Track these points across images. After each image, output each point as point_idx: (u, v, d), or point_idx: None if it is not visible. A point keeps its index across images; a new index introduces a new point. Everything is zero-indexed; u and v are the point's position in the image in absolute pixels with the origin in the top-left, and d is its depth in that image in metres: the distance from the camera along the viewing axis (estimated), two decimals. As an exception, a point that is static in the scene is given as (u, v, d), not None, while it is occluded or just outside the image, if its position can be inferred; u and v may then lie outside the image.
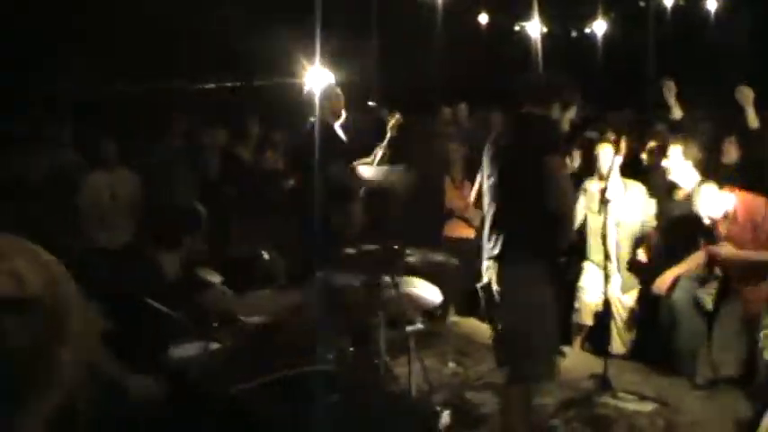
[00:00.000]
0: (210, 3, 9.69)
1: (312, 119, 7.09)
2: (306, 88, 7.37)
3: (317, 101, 7.07)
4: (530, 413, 5.19)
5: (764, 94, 7.73)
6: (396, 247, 4.30)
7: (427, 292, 4.54)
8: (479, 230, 8.34)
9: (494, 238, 5.10)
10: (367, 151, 7.37)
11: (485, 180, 5.31)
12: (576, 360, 5.47)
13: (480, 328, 8.06)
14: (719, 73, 11.58)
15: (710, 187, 6.31)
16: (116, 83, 9.33)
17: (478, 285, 5.22)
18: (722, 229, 6.34)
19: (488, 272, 5.14)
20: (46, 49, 9.58)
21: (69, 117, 9.06)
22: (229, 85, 10.34)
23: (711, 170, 6.92)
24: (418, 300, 4.45)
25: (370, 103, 10.46)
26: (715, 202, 6.28)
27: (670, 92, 7.60)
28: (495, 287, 5.06)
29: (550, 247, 5.14)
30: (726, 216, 6.29)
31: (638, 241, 7.24)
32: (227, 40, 9.55)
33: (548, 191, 4.90)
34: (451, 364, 6.97)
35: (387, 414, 2.89)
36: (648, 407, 6.12)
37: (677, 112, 7.89)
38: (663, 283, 6.55)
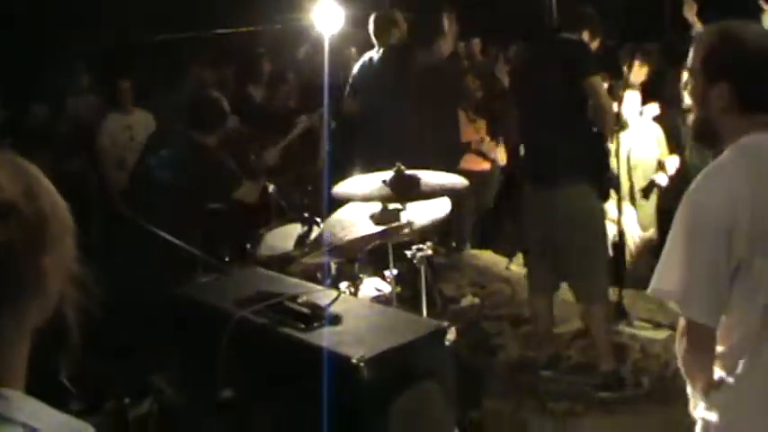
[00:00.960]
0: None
1: None
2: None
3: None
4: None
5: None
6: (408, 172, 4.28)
7: (438, 207, 4.57)
8: (494, 162, 8.43)
9: (537, 160, 5.29)
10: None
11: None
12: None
13: (496, 260, 8.13)
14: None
15: None
16: (130, 31, 9.29)
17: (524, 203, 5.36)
18: None
19: (530, 197, 5.32)
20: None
21: (88, 65, 9.12)
22: (241, 29, 10.24)
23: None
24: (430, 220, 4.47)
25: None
26: None
27: (691, 9, 7.47)
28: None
29: (598, 164, 5.33)
30: None
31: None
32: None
33: (595, 110, 5.07)
34: (469, 296, 7.00)
35: (389, 326, 2.90)
36: (663, 334, 6.13)
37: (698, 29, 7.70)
38: None
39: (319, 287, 3.32)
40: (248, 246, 5.18)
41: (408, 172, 4.34)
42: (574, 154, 5.12)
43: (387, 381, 2.60)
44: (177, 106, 7.59)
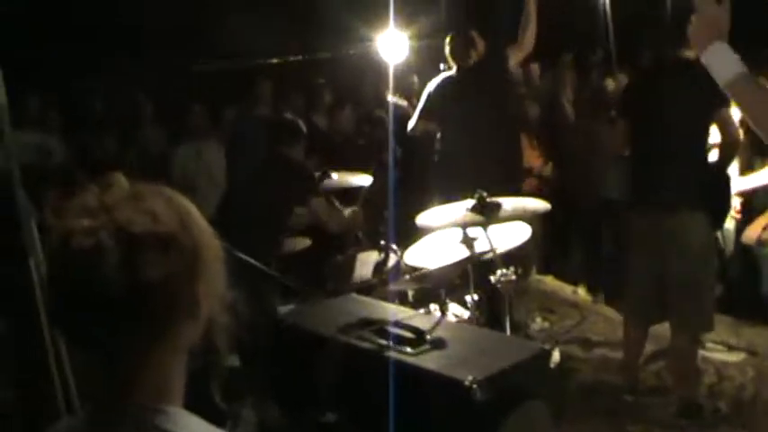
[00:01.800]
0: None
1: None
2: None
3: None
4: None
5: None
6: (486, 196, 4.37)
7: (517, 232, 4.65)
8: (555, 187, 8.44)
9: (649, 187, 5.23)
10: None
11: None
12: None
13: (562, 286, 8.16)
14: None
15: None
16: (197, 58, 9.44)
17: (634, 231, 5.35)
18: None
19: (643, 223, 5.26)
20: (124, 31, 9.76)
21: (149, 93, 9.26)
22: (302, 57, 10.36)
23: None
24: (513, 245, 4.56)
25: (442, 66, 10.51)
26: None
27: None
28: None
29: (716, 196, 5.24)
30: None
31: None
32: (296, 10, 9.62)
33: (724, 143, 5.08)
34: (538, 320, 7.03)
35: (494, 348, 2.96)
36: (737, 357, 6.12)
37: None
38: (753, 231, 6.48)
39: (418, 312, 3.38)
40: (327, 273, 5.29)
41: (490, 198, 4.43)
42: (695, 182, 5.09)
43: (497, 402, 2.65)
44: (249, 132, 7.76)
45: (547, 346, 2.93)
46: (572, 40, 10.44)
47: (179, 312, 1.43)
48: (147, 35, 9.78)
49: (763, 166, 6.30)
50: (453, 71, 6.79)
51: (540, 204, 4.63)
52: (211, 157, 7.97)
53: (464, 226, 4.46)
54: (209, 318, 1.50)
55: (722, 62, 2.47)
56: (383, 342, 3.03)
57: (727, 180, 5.33)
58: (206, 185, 7.74)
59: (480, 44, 6.76)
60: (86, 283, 1.34)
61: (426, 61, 9.18)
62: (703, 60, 2.55)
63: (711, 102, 4.96)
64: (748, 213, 6.53)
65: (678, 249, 5.13)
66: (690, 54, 5.19)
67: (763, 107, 2.42)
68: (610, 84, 9.03)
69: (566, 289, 8.03)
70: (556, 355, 2.87)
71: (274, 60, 9.92)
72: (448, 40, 6.80)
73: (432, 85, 6.83)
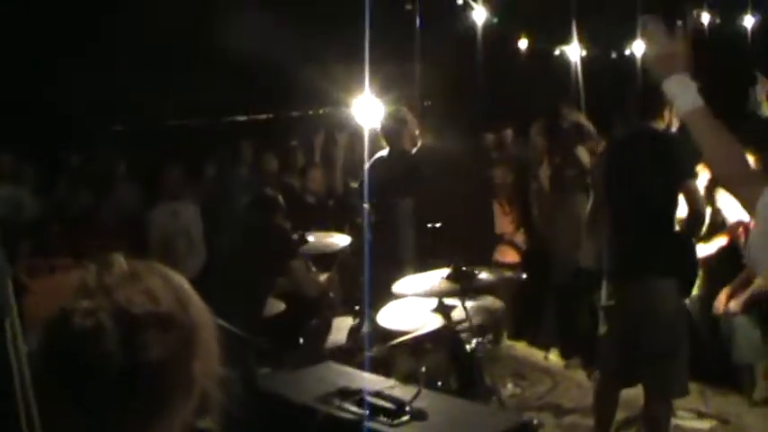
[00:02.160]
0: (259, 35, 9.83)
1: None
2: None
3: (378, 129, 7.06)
4: None
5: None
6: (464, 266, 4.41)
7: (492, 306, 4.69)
8: (527, 254, 8.50)
9: (620, 256, 5.29)
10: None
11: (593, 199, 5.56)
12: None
13: (533, 352, 8.17)
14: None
15: None
16: (168, 116, 9.47)
17: (602, 304, 5.36)
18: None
19: (613, 289, 5.31)
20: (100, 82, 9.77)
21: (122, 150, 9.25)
22: (270, 116, 10.43)
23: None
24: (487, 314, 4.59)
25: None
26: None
27: (763, 90, 7.50)
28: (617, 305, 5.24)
29: (684, 263, 5.30)
30: None
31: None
32: (276, 72, 9.69)
33: (690, 214, 5.14)
34: (510, 386, 7.04)
35: (476, 420, 2.97)
36: (707, 424, 6.14)
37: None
38: (720, 302, 6.55)
39: (396, 382, 3.38)
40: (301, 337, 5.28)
41: (465, 268, 4.48)
42: (663, 250, 5.16)
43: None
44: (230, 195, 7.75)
45: (528, 418, 2.93)
46: (545, 106, 10.58)
47: (175, 391, 1.42)
48: (120, 92, 9.80)
49: None
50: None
51: (515, 276, 4.67)
52: (189, 217, 7.91)
53: (440, 295, 4.48)
54: (202, 394, 1.49)
55: (683, 93, 2.58)
56: (363, 413, 3.03)
57: (693, 249, 5.43)
58: (184, 247, 7.68)
59: (413, 126, 6.81)
60: (86, 365, 1.34)
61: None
62: (665, 88, 2.64)
63: (679, 173, 5.10)
64: (711, 281, 6.64)
65: (649, 317, 5.17)
66: (658, 126, 5.34)
67: (714, 140, 2.53)
68: (581, 151, 9.15)
69: (537, 355, 8.04)
70: (538, 426, 2.86)
71: (247, 117, 9.96)
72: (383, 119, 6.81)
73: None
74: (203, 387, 1.48)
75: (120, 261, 1.46)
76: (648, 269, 5.17)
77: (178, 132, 9.59)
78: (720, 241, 6.53)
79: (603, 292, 5.43)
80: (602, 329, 5.48)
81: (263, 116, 9.72)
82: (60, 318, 1.38)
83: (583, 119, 8.84)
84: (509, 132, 10.44)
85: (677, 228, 5.25)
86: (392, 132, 6.76)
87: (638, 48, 15.84)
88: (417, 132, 6.90)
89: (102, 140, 9.12)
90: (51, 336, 1.41)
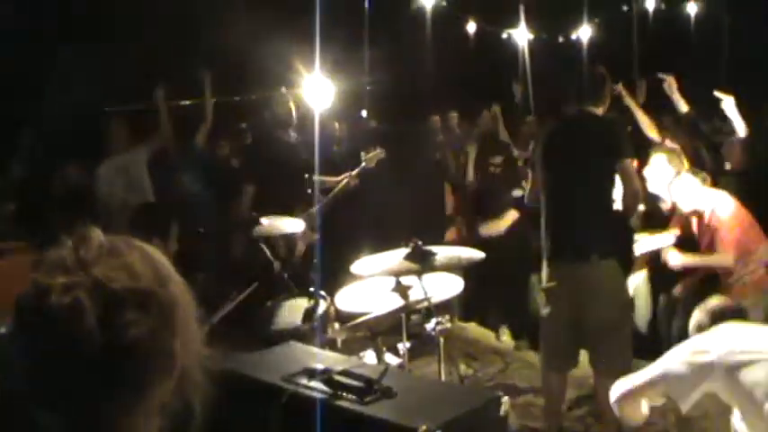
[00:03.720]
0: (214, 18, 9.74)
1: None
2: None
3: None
4: None
5: (750, 94, 7.90)
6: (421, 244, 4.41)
7: (450, 284, 4.70)
8: (466, 237, 8.54)
9: (560, 238, 5.36)
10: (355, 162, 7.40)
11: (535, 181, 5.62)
12: (583, 358, 5.62)
13: (484, 332, 8.22)
14: (701, 75, 11.72)
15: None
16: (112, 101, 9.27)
17: (543, 286, 5.40)
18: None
19: (555, 271, 5.36)
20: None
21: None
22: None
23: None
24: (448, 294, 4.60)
25: (362, 113, 10.63)
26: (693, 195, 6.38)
27: (671, 87, 7.68)
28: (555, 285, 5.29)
29: (626, 240, 5.49)
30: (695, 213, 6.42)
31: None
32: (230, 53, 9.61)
33: (627, 193, 5.22)
34: (462, 367, 7.06)
35: (444, 397, 2.97)
36: (660, 400, 6.22)
37: (683, 107, 7.80)
38: (678, 290, 6.70)
39: (364, 361, 3.37)
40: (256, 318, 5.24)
41: (426, 247, 4.47)
42: (604, 230, 5.25)
43: (451, 451, 2.65)
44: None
45: (497, 394, 2.93)
46: (492, 89, 10.66)
47: (156, 371, 1.38)
48: (62, 78, 9.62)
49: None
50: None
51: (475, 253, 4.67)
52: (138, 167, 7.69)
53: (399, 274, 4.47)
54: (183, 375, 1.44)
55: None
56: (331, 391, 3.00)
57: (631, 228, 5.55)
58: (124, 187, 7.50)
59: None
60: (63, 343, 1.29)
61: (348, 108, 9.29)
62: None
63: (616, 153, 5.21)
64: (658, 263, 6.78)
65: (593, 296, 5.26)
66: (598, 111, 5.42)
67: None
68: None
69: (488, 336, 8.09)
70: (506, 403, 2.87)
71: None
72: None
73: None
74: (183, 366, 1.44)
75: (97, 235, 1.41)
76: (590, 251, 5.24)
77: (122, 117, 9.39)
78: (667, 238, 6.64)
79: (544, 274, 5.49)
80: (544, 311, 5.54)
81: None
82: (36, 295, 1.32)
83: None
84: (454, 114, 10.46)
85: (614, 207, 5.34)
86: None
87: (584, 33, 16.12)
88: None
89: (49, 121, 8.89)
90: (26, 314, 1.35)
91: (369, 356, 4.60)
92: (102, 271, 1.32)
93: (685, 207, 6.42)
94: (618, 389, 3.50)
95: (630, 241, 5.69)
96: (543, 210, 5.54)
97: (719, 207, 6.22)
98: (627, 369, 5.44)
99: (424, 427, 2.62)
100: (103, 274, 1.32)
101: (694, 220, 6.46)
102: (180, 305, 1.42)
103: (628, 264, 5.54)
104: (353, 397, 2.93)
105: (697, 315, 3.74)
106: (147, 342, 1.33)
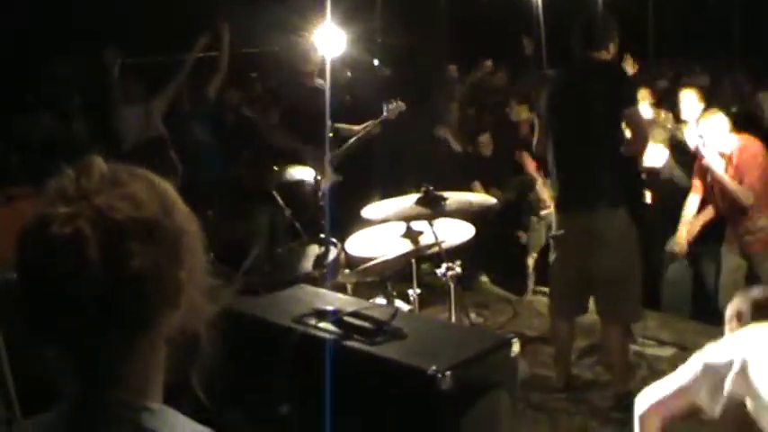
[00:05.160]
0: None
1: None
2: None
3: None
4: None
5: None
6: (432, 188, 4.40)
7: (461, 230, 4.69)
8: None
9: (568, 187, 5.34)
10: (372, 112, 7.36)
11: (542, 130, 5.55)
12: (592, 305, 5.63)
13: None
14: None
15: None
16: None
17: (552, 234, 5.41)
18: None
19: (563, 220, 5.37)
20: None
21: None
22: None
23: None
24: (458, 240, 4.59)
25: (375, 63, 10.52)
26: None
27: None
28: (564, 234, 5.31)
29: (635, 189, 5.45)
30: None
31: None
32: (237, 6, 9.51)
33: (636, 141, 5.18)
34: (472, 315, 7.07)
35: (455, 338, 2.97)
36: (668, 351, 6.24)
37: None
38: (680, 245, 6.67)
39: (374, 303, 3.37)
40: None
41: (435, 192, 4.47)
42: (612, 179, 5.22)
43: (461, 392, 2.65)
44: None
45: (508, 335, 2.93)
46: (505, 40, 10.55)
47: (161, 302, 1.35)
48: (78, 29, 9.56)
49: None
50: None
51: (486, 199, 4.66)
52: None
53: (409, 219, 4.46)
54: (190, 307, 1.42)
55: None
56: (340, 332, 3.01)
57: (639, 175, 5.54)
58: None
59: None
60: (65, 275, 1.26)
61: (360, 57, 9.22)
62: None
63: (622, 100, 5.15)
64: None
65: (600, 245, 5.23)
66: (605, 56, 5.34)
67: None
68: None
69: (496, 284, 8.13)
70: (516, 345, 2.87)
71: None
72: None
73: None
74: (190, 298, 1.41)
75: (100, 165, 1.37)
76: (597, 199, 5.22)
77: (136, 69, 9.33)
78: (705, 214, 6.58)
79: (553, 222, 5.47)
80: (552, 257, 5.54)
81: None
82: (36, 225, 1.29)
83: None
84: (453, 68, 10.39)
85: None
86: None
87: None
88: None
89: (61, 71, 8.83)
90: (27, 245, 1.32)
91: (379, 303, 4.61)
92: (104, 200, 1.29)
93: (711, 148, 6.29)
94: (643, 402, 3.34)
95: (641, 188, 5.65)
96: (550, 159, 5.52)
97: (748, 147, 6.11)
98: (634, 318, 5.50)
99: (434, 368, 2.63)
100: (106, 204, 1.29)
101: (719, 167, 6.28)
102: (186, 235, 1.39)
103: (638, 211, 5.48)
104: (363, 338, 2.93)
105: (736, 302, 3.59)
106: (152, 272, 1.30)
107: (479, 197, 4.77)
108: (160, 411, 1.39)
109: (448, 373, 2.61)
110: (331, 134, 6.67)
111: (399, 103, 7.12)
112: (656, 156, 6.89)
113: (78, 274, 1.25)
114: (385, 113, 7.05)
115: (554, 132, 5.47)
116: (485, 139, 8.50)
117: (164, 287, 1.34)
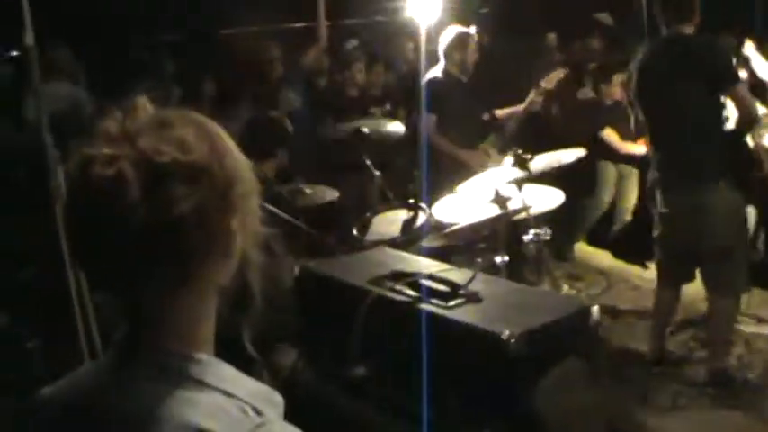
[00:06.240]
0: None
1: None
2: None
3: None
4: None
5: None
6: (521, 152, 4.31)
7: (550, 196, 4.59)
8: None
9: (667, 168, 5.21)
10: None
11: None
12: (692, 283, 5.47)
13: (588, 254, 8.08)
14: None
15: None
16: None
17: (658, 210, 5.30)
18: None
19: (667, 198, 5.24)
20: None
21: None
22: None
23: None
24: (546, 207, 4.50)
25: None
26: None
27: None
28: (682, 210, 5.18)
29: (741, 162, 5.39)
30: None
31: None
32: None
33: (743, 117, 5.08)
34: (565, 287, 6.95)
35: (532, 304, 2.89)
36: (766, 329, 6.05)
37: None
38: None
39: (452, 266, 3.30)
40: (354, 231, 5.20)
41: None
42: (712, 155, 5.07)
43: (535, 358, 2.58)
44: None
45: (586, 304, 2.83)
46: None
47: (210, 250, 1.31)
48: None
49: None
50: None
51: (574, 154, 4.55)
52: None
53: (497, 184, 4.38)
54: (242, 257, 1.39)
55: None
56: (416, 294, 2.95)
57: (743, 146, 5.45)
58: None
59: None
60: (106, 218, 1.23)
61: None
62: None
63: (723, 84, 4.97)
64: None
65: (709, 221, 5.10)
66: (689, 30, 5.11)
67: None
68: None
69: (595, 257, 7.96)
70: (595, 313, 2.77)
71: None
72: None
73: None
74: (243, 248, 1.38)
75: (145, 106, 1.34)
76: (700, 177, 5.09)
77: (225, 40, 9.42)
78: None
79: (659, 199, 5.30)
80: (657, 232, 5.39)
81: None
82: (78, 167, 1.26)
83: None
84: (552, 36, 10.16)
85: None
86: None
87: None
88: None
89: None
90: (70, 187, 1.30)
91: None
92: (149, 142, 1.25)
93: None
94: None
95: (746, 161, 5.46)
96: (650, 138, 5.39)
97: None
98: (743, 287, 5.36)
99: (507, 332, 2.55)
100: (151, 146, 1.25)
101: None
102: (239, 182, 1.34)
103: (744, 183, 5.31)
104: (438, 301, 2.87)
105: None
106: (199, 218, 1.25)
107: (569, 153, 4.62)
108: (208, 362, 1.35)
109: (521, 337, 2.54)
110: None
111: (558, 71, 6.96)
112: None
113: (119, 217, 1.21)
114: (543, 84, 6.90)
115: (647, 113, 5.34)
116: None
117: (212, 234, 1.30)
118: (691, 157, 5.10)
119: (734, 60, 5.31)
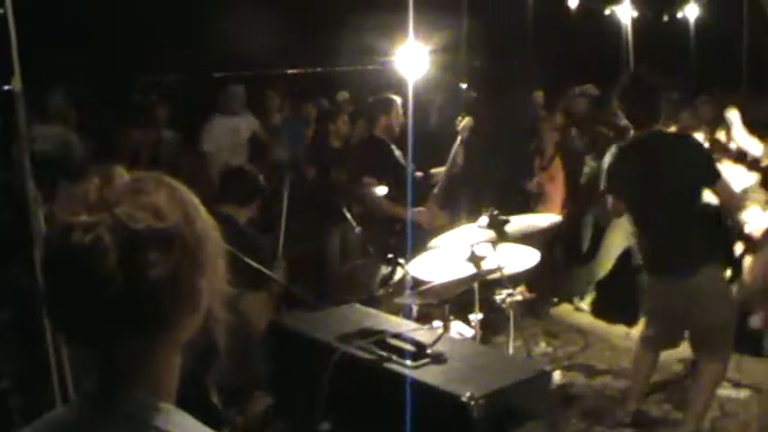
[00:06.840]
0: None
1: None
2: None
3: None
4: None
5: None
6: (496, 213, 4.35)
7: (526, 256, 4.62)
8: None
9: (656, 254, 5.26)
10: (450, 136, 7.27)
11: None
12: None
13: (567, 309, 8.09)
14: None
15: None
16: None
17: (648, 292, 5.51)
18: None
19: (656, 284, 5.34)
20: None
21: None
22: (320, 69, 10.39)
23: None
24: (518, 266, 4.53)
25: (461, 85, 10.51)
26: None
27: None
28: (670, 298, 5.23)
29: (725, 246, 5.53)
30: None
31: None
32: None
33: (728, 207, 5.28)
34: (542, 344, 6.98)
35: (495, 366, 2.92)
36: (742, 393, 6.05)
37: None
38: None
39: (420, 326, 3.34)
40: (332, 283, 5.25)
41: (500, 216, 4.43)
42: (701, 240, 5.13)
43: (495, 421, 2.61)
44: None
45: (546, 367, 2.87)
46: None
47: (179, 307, 1.38)
48: (163, 38, 9.82)
49: None
50: None
51: (550, 219, 4.60)
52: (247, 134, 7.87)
53: (471, 243, 4.43)
54: (208, 312, 1.46)
55: None
56: (382, 353, 2.99)
57: (727, 227, 5.55)
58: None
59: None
60: (84, 281, 1.29)
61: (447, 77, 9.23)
62: None
63: (711, 175, 5.04)
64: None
65: (698, 304, 5.14)
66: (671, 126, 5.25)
67: None
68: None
69: (572, 315, 7.97)
70: (557, 377, 2.81)
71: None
72: None
73: None
74: (209, 306, 1.45)
75: (121, 174, 1.41)
76: (691, 261, 5.11)
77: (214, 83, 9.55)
78: None
79: (648, 279, 5.41)
80: (648, 305, 5.53)
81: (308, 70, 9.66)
82: (59, 232, 1.33)
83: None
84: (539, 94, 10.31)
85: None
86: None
87: (690, 11, 15.36)
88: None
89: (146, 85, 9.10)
90: (49, 252, 1.37)
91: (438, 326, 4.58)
92: (125, 210, 1.32)
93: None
94: None
95: (730, 238, 5.54)
96: (633, 226, 5.41)
97: None
98: (729, 356, 5.38)
99: (468, 394, 2.59)
100: (126, 214, 1.31)
101: None
102: (207, 243, 1.42)
103: (730, 260, 5.40)
104: (404, 360, 2.90)
105: None
106: (171, 281, 1.33)
107: (545, 218, 4.68)
108: (171, 412, 1.41)
109: (481, 400, 2.57)
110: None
111: (468, 118, 6.99)
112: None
113: (98, 282, 1.28)
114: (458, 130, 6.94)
115: (632, 207, 5.34)
116: None
117: (183, 294, 1.37)
118: (679, 245, 5.14)
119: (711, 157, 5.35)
